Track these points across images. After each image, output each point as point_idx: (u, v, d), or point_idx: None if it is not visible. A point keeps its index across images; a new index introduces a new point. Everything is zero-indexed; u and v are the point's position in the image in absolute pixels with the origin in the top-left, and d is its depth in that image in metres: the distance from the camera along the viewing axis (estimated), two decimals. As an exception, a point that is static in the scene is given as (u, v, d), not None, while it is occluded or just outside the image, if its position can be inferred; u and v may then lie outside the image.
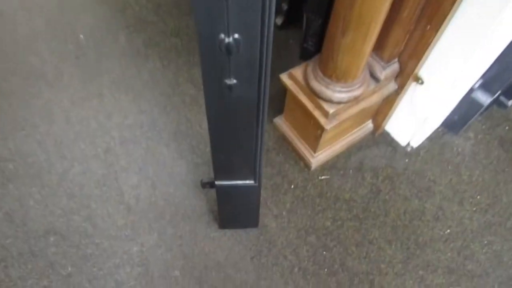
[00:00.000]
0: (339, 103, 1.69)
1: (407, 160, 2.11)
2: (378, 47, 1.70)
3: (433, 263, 1.83)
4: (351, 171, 2.07)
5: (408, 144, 2.11)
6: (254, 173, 1.44)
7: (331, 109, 1.67)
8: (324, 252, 1.84)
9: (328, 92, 1.65)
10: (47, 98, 2.23)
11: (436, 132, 2.19)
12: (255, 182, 1.48)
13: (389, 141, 2.14)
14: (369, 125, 2.13)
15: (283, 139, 2.15)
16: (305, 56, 2.19)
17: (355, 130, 2.08)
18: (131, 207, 1.92)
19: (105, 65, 2.39)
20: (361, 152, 2.13)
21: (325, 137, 1.83)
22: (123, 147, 2.09)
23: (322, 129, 1.74)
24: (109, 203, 1.93)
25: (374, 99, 1.82)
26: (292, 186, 2.01)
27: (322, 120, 1.71)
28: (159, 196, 1.96)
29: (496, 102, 2.26)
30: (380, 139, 2.16)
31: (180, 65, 2.41)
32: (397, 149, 2.14)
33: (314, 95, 1.69)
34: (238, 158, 1.36)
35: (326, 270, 1.80)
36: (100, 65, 2.39)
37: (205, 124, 2.10)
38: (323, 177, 2.04)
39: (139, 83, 2.33)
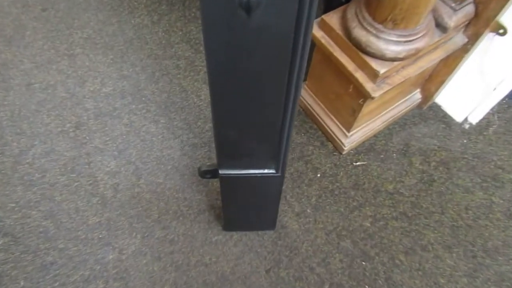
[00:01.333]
0: (393, 59, 1.21)
1: (465, 141, 1.65)
2: None
3: (509, 277, 1.37)
4: (394, 154, 1.61)
5: (466, 119, 1.69)
6: (276, 160, 0.99)
7: (382, 69, 1.19)
8: (364, 263, 1.38)
9: (379, 43, 1.17)
10: (3, 59, 1.81)
11: (500, 104, 1.74)
12: (277, 171, 1.02)
13: (440, 117, 1.71)
14: (416, 95, 1.68)
15: (306, 114, 1.71)
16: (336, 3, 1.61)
17: (400, 101, 1.62)
18: (107, 200, 1.49)
19: (79, 19, 1.95)
20: (406, 131, 1.67)
21: (366, 109, 1.38)
22: (98, 122, 1.66)
23: (365, 97, 1.27)
24: (78, 194, 1.50)
25: (436, 56, 1.34)
26: (319, 175, 1.55)
27: (367, 85, 1.23)
28: (143, 187, 1.53)
29: None
30: (429, 113, 1.72)
31: (173, 20, 1.98)
32: (451, 127, 1.68)
33: (358, 48, 1.20)
34: (253, 136, 0.91)
35: (366, 287, 1.34)
36: (73, 18, 1.95)
37: (204, 94, 1.77)
38: (358, 163, 1.58)
39: (120, 42, 1.89)
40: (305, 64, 0.71)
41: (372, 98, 1.23)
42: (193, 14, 2.00)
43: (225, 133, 0.88)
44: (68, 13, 1.95)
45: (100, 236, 1.41)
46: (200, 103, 1.74)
